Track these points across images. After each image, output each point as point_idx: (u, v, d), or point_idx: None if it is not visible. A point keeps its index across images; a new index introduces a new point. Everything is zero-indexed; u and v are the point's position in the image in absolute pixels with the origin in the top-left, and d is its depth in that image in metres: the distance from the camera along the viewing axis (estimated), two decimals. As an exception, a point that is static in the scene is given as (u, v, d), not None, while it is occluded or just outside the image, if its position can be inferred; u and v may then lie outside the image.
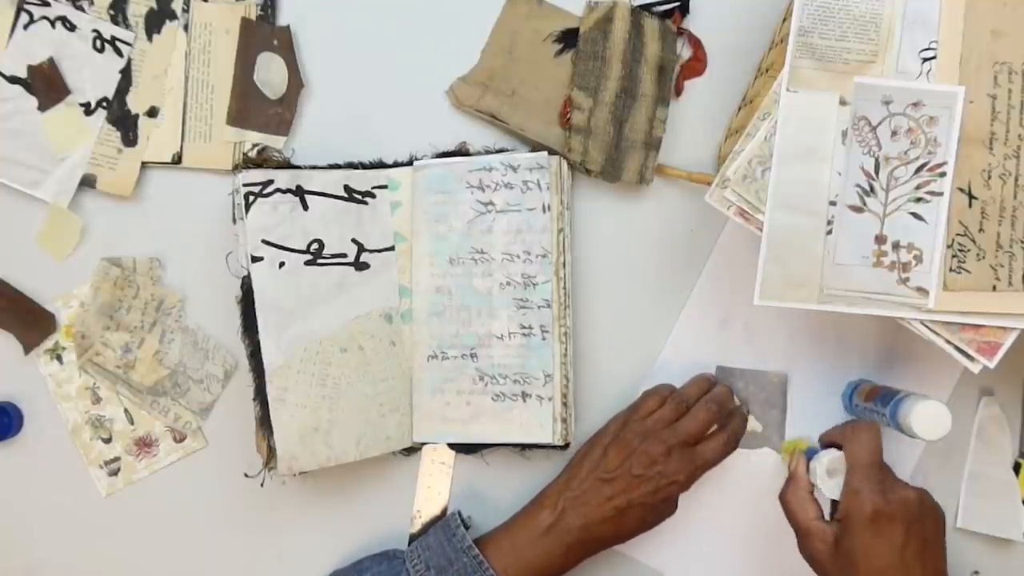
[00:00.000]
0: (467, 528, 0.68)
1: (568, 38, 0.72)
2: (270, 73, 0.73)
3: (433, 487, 0.75)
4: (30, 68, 0.72)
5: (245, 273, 0.68)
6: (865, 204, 0.62)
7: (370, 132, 0.74)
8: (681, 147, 0.74)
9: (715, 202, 0.64)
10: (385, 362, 0.72)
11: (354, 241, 0.71)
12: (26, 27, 0.72)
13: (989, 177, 0.61)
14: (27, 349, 0.74)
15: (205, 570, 0.76)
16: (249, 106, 0.73)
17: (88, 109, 0.73)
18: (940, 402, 0.63)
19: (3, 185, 0.73)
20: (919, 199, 0.62)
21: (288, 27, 0.73)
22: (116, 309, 0.73)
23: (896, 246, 0.62)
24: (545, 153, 0.71)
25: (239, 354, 0.73)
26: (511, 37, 0.73)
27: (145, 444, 0.75)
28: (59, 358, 0.74)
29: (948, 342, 0.63)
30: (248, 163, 0.70)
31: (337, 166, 0.72)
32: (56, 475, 0.75)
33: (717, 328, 0.74)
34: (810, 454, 0.64)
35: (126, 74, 0.73)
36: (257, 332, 0.68)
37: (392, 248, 0.73)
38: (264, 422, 0.68)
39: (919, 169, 0.61)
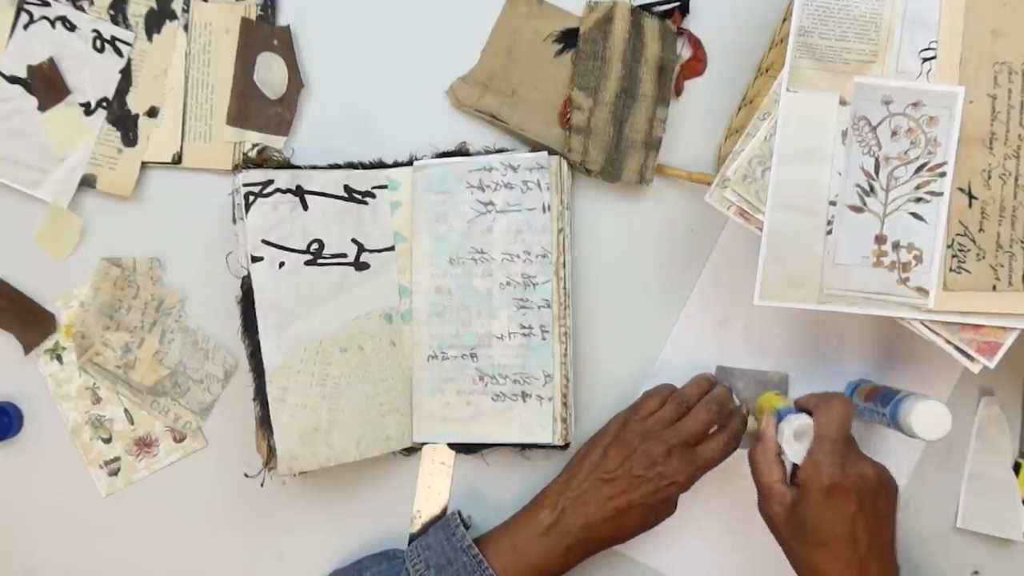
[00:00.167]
0: (467, 528, 0.68)
1: (568, 38, 0.72)
2: (270, 73, 0.73)
3: (433, 487, 0.75)
4: (30, 68, 0.72)
5: (245, 273, 0.68)
6: (865, 204, 0.62)
7: (370, 132, 0.74)
8: (681, 147, 0.74)
9: (715, 202, 0.64)
10: (385, 362, 0.72)
11: (354, 241, 0.71)
12: (26, 27, 0.72)
13: (989, 177, 0.61)
14: (27, 349, 0.74)
15: (205, 570, 0.76)
16: (249, 106, 0.73)
17: (88, 109, 0.73)
18: (940, 402, 0.63)
19: (3, 185, 0.73)
20: (919, 199, 0.62)
21: (288, 27, 0.73)
22: (116, 309, 0.73)
23: (896, 246, 0.62)
24: (545, 153, 0.71)
25: (239, 354, 0.73)
26: (511, 37, 0.73)
27: (145, 444, 0.75)
28: (59, 358, 0.74)
29: (948, 342, 0.63)
30: (248, 163, 0.70)
31: (337, 166, 0.72)
32: (56, 475, 0.75)
33: (717, 328, 0.74)
34: (782, 415, 0.64)
35: (126, 74, 0.73)
36: (257, 332, 0.68)
37: (392, 248, 0.73)
38: (264, 422, 0.68)
39: (919, 169, 0.61)
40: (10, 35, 0.72)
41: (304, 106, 0.74)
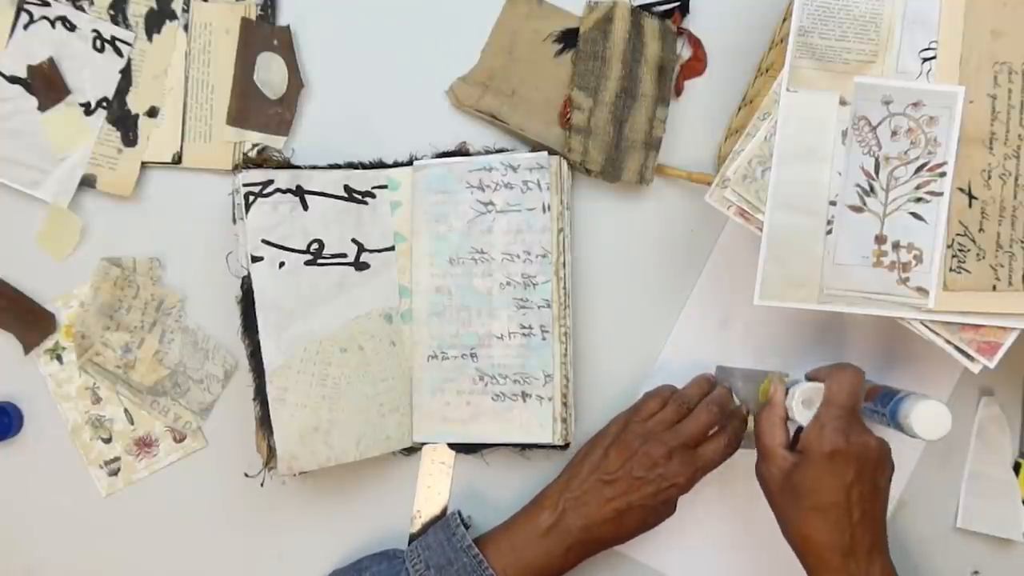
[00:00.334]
0: (467, 528, 0.68)
1: (568, 38, 0.72)
2: (270, 73, 0.73)
3: (433, 487, 0.75)
4: (30, 68, 0.72)
5: (245, 273, 0.68)
6: (865, 204, 0.62)
7: (370, 132, 0.74)
8: (681, 147, 0.74)
9: (715, 202, 0.64)
10: (385, 362, 0.72)
11: (354, 241, 0.71)
12: (26, 27, 0.72)
13: (989, 177, 0.61)
14: (27, 349, 0.74)
15: (205, 570, 0.76)
16: (249, 106, 0.73)
17: (88, 109, 0.73)
18: (940, 402, 0.63)
19: (3, 185, 0.73)
20: (919, 199, 0.62)
21: (288, 27, 0.73)
22: (116, 309, 0.73)
23: (896, 246, 0.62)
24: (545, 153, 0.71)
25: (239, 354, 0.73)
26: (511, 37, 0.73)
27: (145, 444, 0.75)
28: (59, 358, 0.74)
29: (948, 342, 0.63)
30: (248, 163, 0.70)
31: (337, 166, 0.72)
32: (56, 475, 0.75)
33: (717, 328, 0.74)
34: (791, 384, 0.65)
35: (126, 74, 0.73)
36: (257, 332, 0.68)
37: (392, 248, 0.73)
38: (264, 422, 0.68)
39: (919, 169, 0.61)
40: (10, 35, 0.72)
41: (304, 106, 0.74)
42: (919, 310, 0.62)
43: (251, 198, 0.68)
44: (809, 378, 0.65)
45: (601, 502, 0.65)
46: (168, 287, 0.74)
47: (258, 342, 0.68)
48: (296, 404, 0.68)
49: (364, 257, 0.72)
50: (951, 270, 0.61)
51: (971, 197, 0.61)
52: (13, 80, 0.72)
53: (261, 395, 0.68)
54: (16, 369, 0.74)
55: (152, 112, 0.73)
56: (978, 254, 0.61)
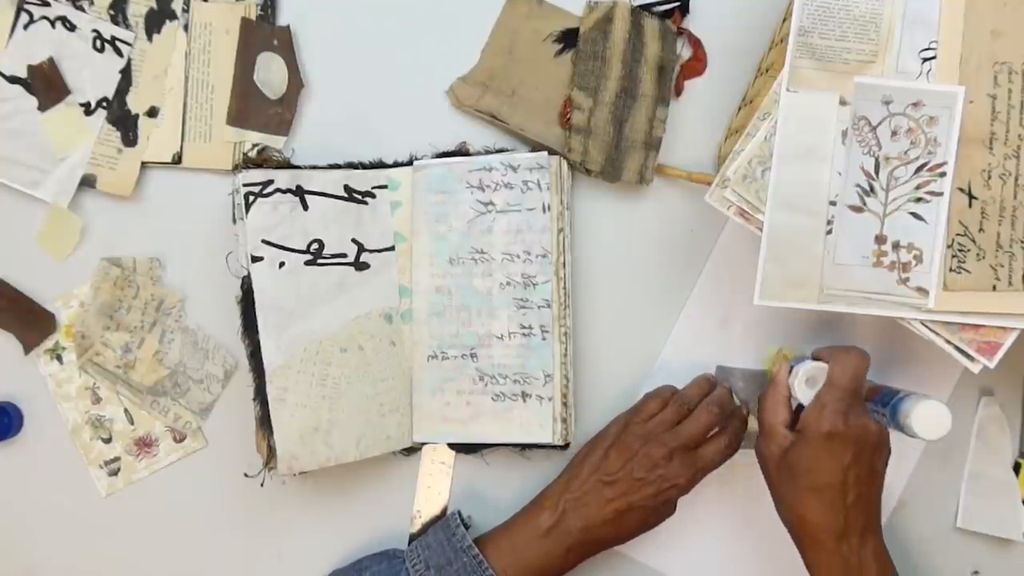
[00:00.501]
0: (467, 528, 0.68)
1: (568, 38, 0.72)
2: (270, 73, 0.73)
3: (433, 487, 0.75)
4: (30, 68, 0.72)
5: (245, 273, 0.68)
6: (865, 204, 0.62)
7: (370, 132, 0.74)
8: (681, 147, 0.74)
9: (715, 202, 0.64)
10: (385, 362, 0.72)
11: (354, 241, 0.71)
12: (26, 27, 0.72)
13: (989, 177, 0.61)
14: (27, 349, 0.74)
15: (205, 570, 0.76)
16: (249, 106, 0.73)
17: (88, 109, 0.73)
18: (940, 402, 0.63)
19: (3, 185, 0.73)
20: (919, 199, 0.62)
21: (288, 27, 0.73)
22: (116, 309, 0.73)
23: (896, 246, 0.62)
24: (545, 153, 0.71)
25: (239, 354, 0.73)
26: (511, 37, 0.73)
27: (145, 444, 0.75)
28: (59, 358, 0.74)
29: (948, 342, 0.63)
30: (248, 163, 0.70)
31: (337, 166, 0.72)
32: (56, 475, 0.75)
33: (717, 328, 0.74)
34: (796, 363, 0.65)
35: (126, 74, 0.73)
36: (257, 332, 0.68)
37: (392, 248, 0.73)
38: (264, 422, 0.68)
39: (919, 169, 0.61)
40: (10, 35, 0.72)
41: (304, 106, 0.74)
42: (919, 310, 0.62)
43: (251, 198, 0.68)
44: (815, 357, 0.65)
45: (601, 503, 0.65)
46: (168, 287, 0.74)
47: (258, 342, 0.68)
48: (296, 404, 0.68)
49: (364, 257, 0.72)
50: (951, 270, 0.61)
51: (971, 197, 0.61)
52: (13, 80, 0.72)
53: (261, 395, 0.68)
54: (16, 369, 0.74)
55: (152, 112, 0.73)
56: (978, 254, 0.61)
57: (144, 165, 0.74)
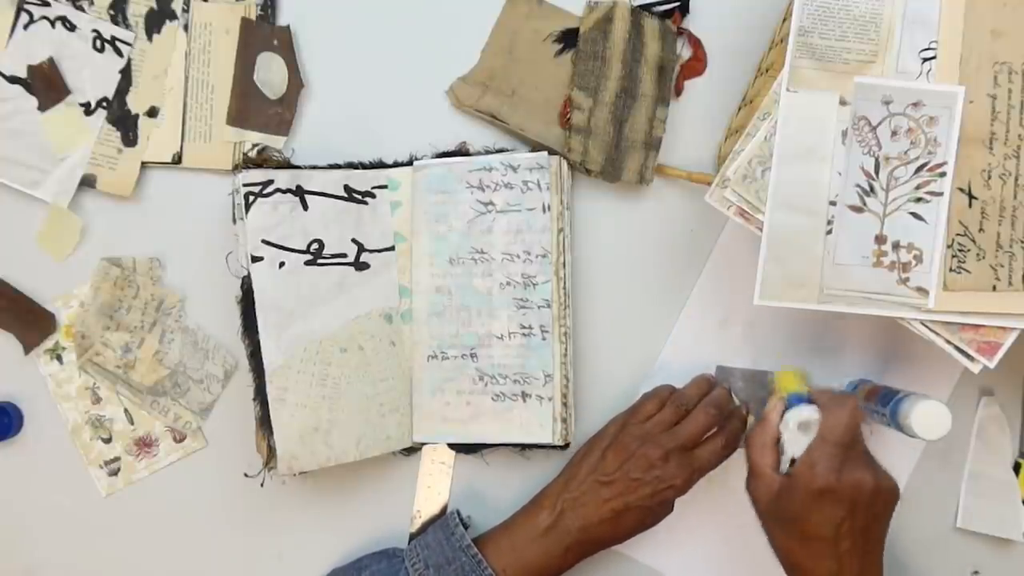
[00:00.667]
0: (466, 528, 0.68)
1: (568, 38, 0.72)
2: (270, 73, 0.73)
3: (433, 487, 0.75)
4: (30, 68, 0.72)
5: (245, 273, 0.68)
6: (865, 204, 0.62)
7: (370, 132, 0.74)
8: (681, 147, 0.74)
9: (715, 202, 0.64)
10: (385, 362, 0.72)
11: (354, 241, 0.71)
12: (26, 27, 0.72)
13: (989, 177, 0.61)
14: (27, 349, 0.74)
15: (205, 570, 0.76)
16: (249, 106, 0.73)
17: (88, 109, 0.73)
18: (940, 402, 0.63)
19: (3, 185, 0.73)
20: (919, 199, 0.62)
21: (288, 27, 0.73)
22: (116, 309, 0.73)
23: (896, 246, 0.62)
24: (545, 153, 0.71)
25: (239, 354, 0.73)
26: (511, 37, 0.73)
27: (145, 444, 0.75)
28: (59, 358, 0.74)
29: (948, 342, 0.63)
30: (248, 163, 0.70)
31: (337, 166, 0.72)
32: (56, 475, 0.75)
33: (717, 328, 0.74)
34: (792, 402, 0.63)
35: (126, 74, 0.73)
36: (257, 332, 0.68)
37: (392, 248, 0.73)
38: (264, 422, 0.68)
39: (919, 169, 0.61)
40: (10, 35, 0.72)
41: (304, 106, 0.74)
42: (919, 310, 0.62)
43: (251, 198, 0.68)
44: (811, 398, 0.63)
45: (599, 503, 0.65)
46: (168, 287, 0.74)
47: (258, 342, 0.68)
48: (296, 404, 0.68)
49: (364, 257, 0.72)
50: (951, 270, 0.61)
51: (971, 197, 0.61)
52: (13, 80, 0.72)
53: (261, 395, 0.68)
54: (16, 369, 0.74)
55: (152, 112, 0.73)
56: (978, 254, 0.61)
57: (144, 165, 0.74)
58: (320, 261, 0.70)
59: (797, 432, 0.61)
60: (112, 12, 0.73)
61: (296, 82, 0.73)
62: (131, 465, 0.75)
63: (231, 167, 0.73)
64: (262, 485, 0.74)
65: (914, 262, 0.62)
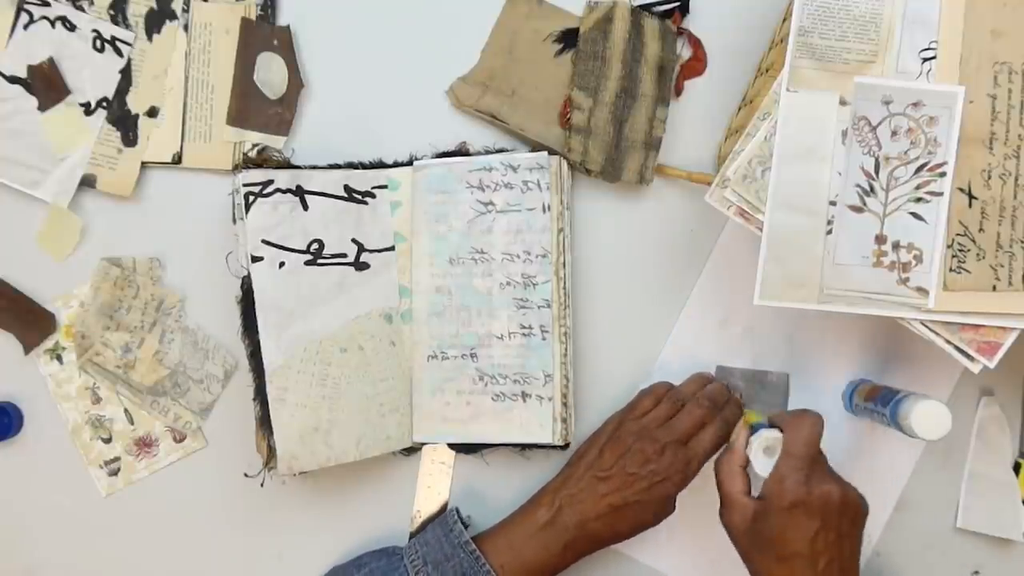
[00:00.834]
0: (466, 527, 0.68)
1: (568, 38, 0.72)
2: (270, 73, 0.73)
3: (433, 487, 0.75)
4: (30, 68, 0.72)
5: (245, 273, 0.68)
6: (865, 204, 0.62)
7: (370, 132, 0.74)
8: (681, 147, 0.74)
9: (715, 202, 0.64)
10: (385, 362, 0.72)
11: (354, 241, 0.71)
12: (26, 27, 0.72)
13: (989, 177, 0.61)
14: (27, 349, 0.74)
15: (205, 570, 0.76)
16: (249, 106, 0.73)
17: (88, 109, 0.73)
18: (940, 402, 0.63)
19: (3, 185, 0.73)
20: (919, 199, 0.62)
21: (288, 27, 0.73)
22: (116, 309, 0.73)
23: (896, 246, 0.62)
24: (545, 153, 0.71)
25: (239, 354, 0.73)
26: (511, 37, 0.73)
27: (145, 444, 0.75)
28: (59, 358, 0.74)
29: (948, 342, 0.63)
30: (248, 163, 0.70)
31: (337, 166, 0.72)
32: (56, 475, 0.75)
33: (717, 328, 0.74)
34: (755, 429, 0.64)
35: (126, 74, 0.73)
36: (257, 332, 0.68)
37: (392, 248, 0.73)
38: (264, 422, 0.68)
39: (919, 169, 0.61)
40: (10, 35, 0.72)
41: (304, 106, 0.74)
42: (919, 310, 0.62)
43: (251, 198, 0.68)
44: (772, 422, 0.64)
45: (596, 499, 0.65)
46: (168, 287, 0.74)
47: (258, 342, 0.68)
48: (296, 404, 0.68)
49: (364, 257, 0.72)
50: (951, 270, 0.61)
51: (971, 197, 0.61)
52: (13, 80, 0.72)
53: (261, 395, 0.68)
54: (16, 369, 0.74)
55: (152, 112, 0.73)
56: (978, 254, 0.61)
57: (144, 165, 0.74)
58: (320, 261, 0.70)
59: (763, 455, 0.62)
60: (112, 12, 0.73)
61: (296, 82, 0.73)
62: (131, 465, 0.75)
63: (231, 167, 0.73)
64: (262, 485, 0.74)
65: (914, 262, 0.62)
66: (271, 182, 0.69)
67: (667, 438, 0.65)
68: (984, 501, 0.74)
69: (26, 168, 0.73)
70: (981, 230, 0.61)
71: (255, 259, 0.68)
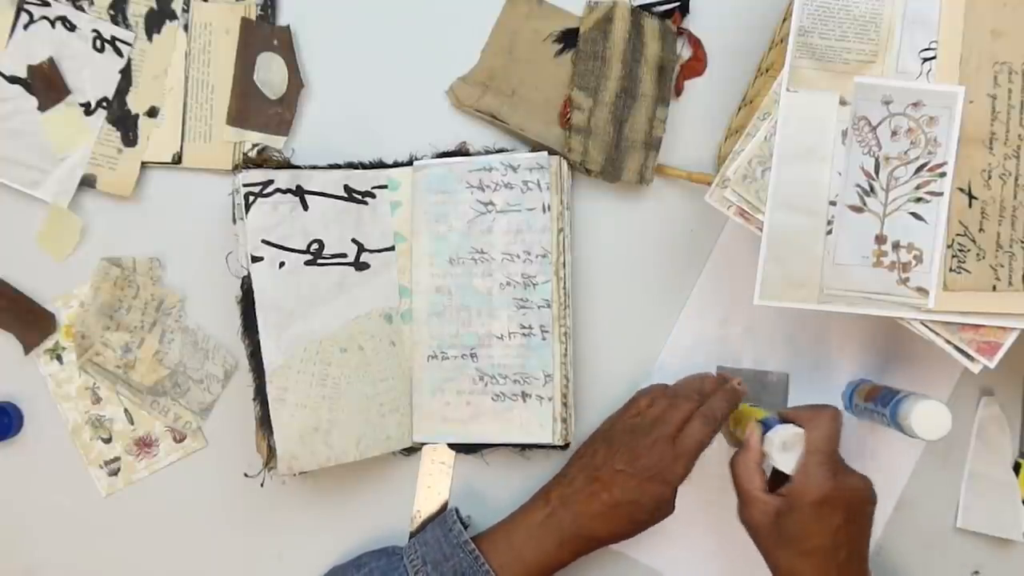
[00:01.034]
0: (466, 527, 0.68)
1: (568, 38, 0.72)
2: (270, 73, 0.73)
3: (433, 487, 0.75)
4: (30, 68, 0.72)
5: (245, 273, 0.68)
6: (865, 204, 0.62)
7: (370, 132, 0.74)
8: (681, 147, 0.74)
9: (715, 202, 0.64)
10: (385, 362, 0.72)
11: (354, 241, 0.71)
12: (26, 27, 0.72)
13: (989, 177, 0.61)
14: (27, 349, 0.74)
15: (205, 570, 0.76)
16: (249, 106, 0.73)
17: (88, 109, 0.73)
18: (940, 402, 0.63)
19: (3, 185, 0.73)
20: (919, 199, 0.62)
21: (288, 27, 0.73)
22: (116, 309, 0.73)
23: (896, 246, 0.62)
24: (545, 153, 0.71)
25: (239, 354, 0.73)
26: (511, 37, 0.73)
27: (145, 444, 0.75)
28: (59, 358, 0.74)
29: (948, 342, 0.63)
30: (248, 163, 0.70)
31: (337, 166, 0.72)
32: (56, 475, 0.75)
33: (717, 328, 0.74)
34: (768, 425, 0.63)
35: (126, 74, 0.73)
36: (257, 332, 0.68)
37: (392, 248, 0.73)
38: (264, 422, 0.68)
39: (919, 169, 0.61)
40: (10, 35, 0.72)
41: (304, 106, 0.74)
42: (919, 310, 0.62)
43: (251, 198, 0.68)
44: (785, 417, 0.64)
45: (589, 497, 0.65)
46: (168, 287, 0.74)
47: (258, 342, 0.68)
48: (296, 404, 0.68)
49: (364, 257, 0.72)
50: (951, 270, 0.61)
51: (971, 197, 0.61)
52: (13, 80, 0.72)
53: (261, 395, 0.68)
54: (16, 369, 0.74)
55: (152, 112, 0.73)
56: (978, 254, 0.61)
57: (144, 165, 0.74)
58: (320, 261, 0.70)
59: (783, 451, 0.62)
60: (112, 12, 0.73)
61: (296, 82, 0.73)
62: (131, 465, 0.75)
63: (231, 167, 0.73)
64: (262, 485, 0.74)
65: (914, 262, 0.62)
66: (271, 182, 0.69)
67: (657, 434, 0.64)
68: (984, 501, 0.74)
69: (26, 168, 0.73)
70: (981, 230, 0.61)
71: (255, 259, 0.68)
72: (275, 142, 0.73)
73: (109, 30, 0.73)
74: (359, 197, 0.72)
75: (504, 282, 0.71)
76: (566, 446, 0.71)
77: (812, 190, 0.62)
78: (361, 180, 0.72)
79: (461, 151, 0.72)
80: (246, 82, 0.73)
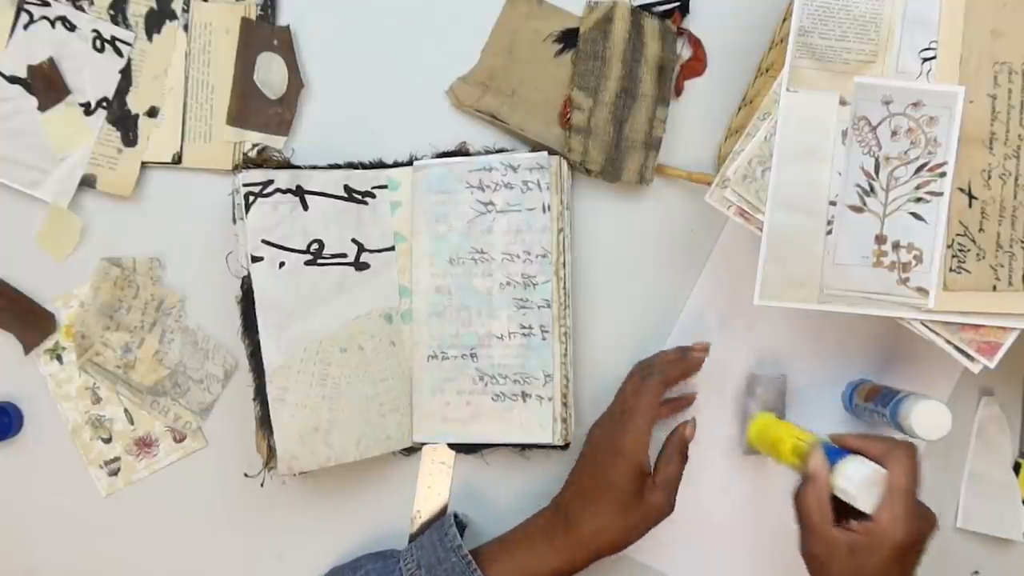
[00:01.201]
0: (464, 527, 0.68)
1: (568, 38, 0.72)
2: (270, 73, 0.73)
3: (433, 487, 0.75)
4: (30, 68, 0.72)
5: (245, 273, 0.68)
6: (865, 204, 0.62)
7: (370, 132, 0.74)
8: (681, 147, 0.74)
9: (715, 202, 0.64)
10: (385, 362, 0.72)
11: (354, 241, 0.71)
12: (26, 27, 0.72)
13: (989, 177, 0.61)
14: (27, 349, 0.74)
15: (205, 570, 0.76)
16: (249, 106, 0.73)
17: (88, 109, 0.73)
18: (940, 402, 0.63)
19: (3, 185, 0.73)
20: (919, 199, 0.62)
21: (288, 27, 0.73)
22: (116, 309, 0.73)
23: (896, 246, 0.62)
24: (545, 153, 0.71)
25: (239, 354, 0.73)
26: (511, 37, 0.73)
27: (145, 444, 0.75)
28: (59, 358, 0.74)
29: (948, 342, 0.63)
30: (248, 163, 0.70)
31: (337, 166, 0.72)
32: (56, 475, 0.75)
33: (717, 328, 0.74)
34: (831, 456, 0.60)
35: (126, 74, 0.73)
36: (257, 332, 0.68)
37: (392, 248, 0.73)
38: (264, 422, 0.68)
39: (919, 169, 0.61)
40: (10, 35, 0.72)
41: (304, 106, 0.74)
42: (919, 310, 0.62)
43: (251, 198, 0.68)
44: (845, 445, 0.61)
45: (584, 506, 0.65)
46: (168, 287, 0.74)
47: (258, 342, 0.68)
48: (296, 404, 0.68)
49: (364, 257, 0.72)
50: (951, 270, 0.61)
51: (971, 197, 0.61)
52: (13, 80, 0.72)
53: (261, 395, 0.68)
54: (16, 369, 0.74)
55: (152, 112, 0.73)
56: (978, 254, 0.61)
57: (144, 165, 0.74)
58: (320, 261, 0.70)
59: (864, 488, 0.58)
60: (112, 12, 0.73)
61: (296, 82, 0.73)
62: (131, 465, 0.75)
63: (231, 167, 0.73)
64: (262, 485, 0.74)
65: (914, 262, 0.62)
66: (271, 182, 0.69)
67: (625, 417, 0.65)
68: (984, 501, 0.74)
69: (26, 168, 0.73)
70: (981, 230, 0.61)
71: (255, 259, 0.68)
72: (275, 142, 0.73)
73: (109, 30, 0.73)
74: (359, 197, 0.72)
75: (504, 282, 0.71)
76: (566, 446, 0.71)
77: (812, 190, 0.62)
78: (361, 180, 0.72)
79: (461, 151, 0.72)
80: (246, 82, 0.73)
